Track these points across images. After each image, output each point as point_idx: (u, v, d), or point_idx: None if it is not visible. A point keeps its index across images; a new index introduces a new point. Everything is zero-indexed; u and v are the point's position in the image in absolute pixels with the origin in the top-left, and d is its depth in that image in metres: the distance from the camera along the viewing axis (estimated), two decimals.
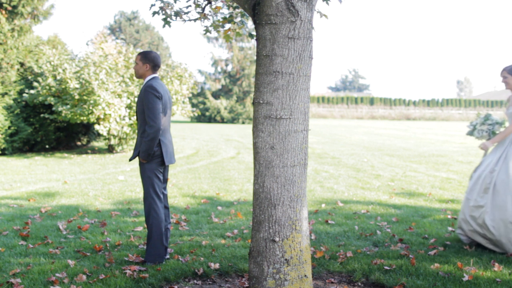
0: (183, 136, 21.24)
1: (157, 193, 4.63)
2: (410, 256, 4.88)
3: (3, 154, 13.24)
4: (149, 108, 4.51)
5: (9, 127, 13.12)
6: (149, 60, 4.68)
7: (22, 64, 13.96)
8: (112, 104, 12.47)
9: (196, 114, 16.11)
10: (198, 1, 4.51)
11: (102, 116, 12.58)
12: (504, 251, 5.01)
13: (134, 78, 13.28)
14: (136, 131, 13.50)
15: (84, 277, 4.17)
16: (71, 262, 4.55)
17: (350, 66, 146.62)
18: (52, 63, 12.95)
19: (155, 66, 4.70)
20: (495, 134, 5.43)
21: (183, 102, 14.54)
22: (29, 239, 5.43)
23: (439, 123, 43.18)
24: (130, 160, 4.64)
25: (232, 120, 36.97)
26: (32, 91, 13.12)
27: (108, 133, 13.75)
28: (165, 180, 4.83)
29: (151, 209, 4.62)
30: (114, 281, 4.11)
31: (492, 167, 5.15)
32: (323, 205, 7.32)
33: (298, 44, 3.34)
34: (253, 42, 37.80)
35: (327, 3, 4.32)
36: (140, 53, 4.73)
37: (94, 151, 14.86)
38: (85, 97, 12.46)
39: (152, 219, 4.62)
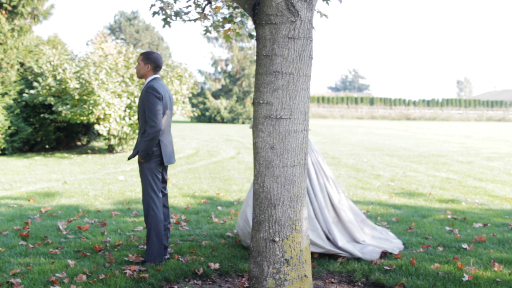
0: (183, 136, 21.24)
1: (155, 193, 4.64)
2: (410, 256, 4.88)
3: (3, 154, 13.24)
4: (150, 109, 4.52)
5: (9, 127, 13.12)
6: (151, 61, 4.68)
7: (22, 64, 13.96)
8: (112, 104, 12.47)
9: (196, 114, 16.11)
10: (198, 1, 4.51)
11: (102, 116, 12.59)
12: None
13: (134, 78, 13.28)
14: (136, 131, 13.54)
15: (84, 277, 4.17)
16: (71, 262, 4.55)
17: (350, 66, 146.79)
18: (52, 63, 12.95)
19: (156, 67, 4.70)
20: None
21: (183, 102, 14.55)
22: (29, 239, 5.43)
23: (439, 123, 43.18)
24: (129, 158, 4.65)
25: (232, 120, 36.98)
26: (32, 91, 13.12)
27: (108, 133, 13.76)
28: (164, 180, 4.84)
29: (149, 208, 4.63)
30: (114, 281, 4.11)
31: None
32: None
33: (298, 44, 3.34)
34: (253, 42, 37.80)
35: (327, 3, 4.32)
36: (142, 54, 4.72)
37: (94, 151, 14.86)
38: (85, 97, 12.46)
39: (150, 218, 4.63)
